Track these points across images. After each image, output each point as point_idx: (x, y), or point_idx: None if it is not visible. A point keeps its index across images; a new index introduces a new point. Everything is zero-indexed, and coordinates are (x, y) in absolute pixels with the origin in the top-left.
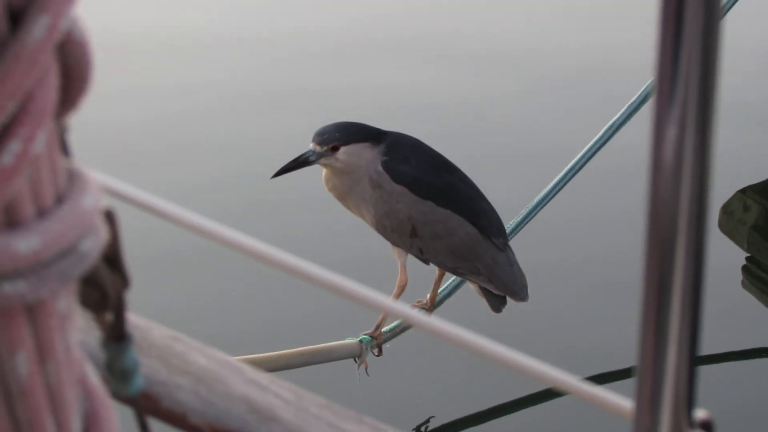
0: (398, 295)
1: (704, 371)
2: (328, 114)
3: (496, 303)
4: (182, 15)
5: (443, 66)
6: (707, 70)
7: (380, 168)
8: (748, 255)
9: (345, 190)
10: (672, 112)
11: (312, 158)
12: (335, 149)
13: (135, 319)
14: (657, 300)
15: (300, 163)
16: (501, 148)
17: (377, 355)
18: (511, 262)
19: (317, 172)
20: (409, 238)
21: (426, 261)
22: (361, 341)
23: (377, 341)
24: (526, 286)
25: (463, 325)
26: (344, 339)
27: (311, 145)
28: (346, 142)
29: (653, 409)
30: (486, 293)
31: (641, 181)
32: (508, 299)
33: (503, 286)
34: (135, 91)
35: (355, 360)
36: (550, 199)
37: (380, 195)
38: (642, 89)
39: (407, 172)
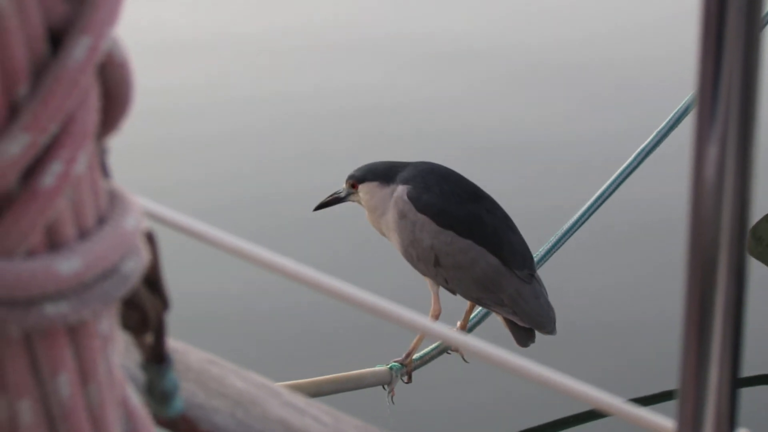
0: None
1: (742, 393)
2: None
3: (523, 337)
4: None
5: (475, 81)
6: (749, 87)
7: (405, 197)
8: None
9: (376, 223)
10: (713, 131)
11: (342, 194)
12: (354, 187)
13: (172, 343)
14: (699, 320)
15: (334, 199)
16: (532, 170)
17: (407, 383)
18: (537, 294)
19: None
20: (433, 267)
21: (453, 291)
22: (391, 369)
23: (407, 368)
24: (553, 319)
25: (501, 345)
26: (375, 366)
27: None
28: (361, 181)
29: (695, 430)
30: (511, 326)
31: (681, 201)
32: (537, 335)
33: (528, 318)
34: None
35: (384, 387)
36: (588, 217)
37: (405, 224)
38: (678, 107)
39: (430, 202)
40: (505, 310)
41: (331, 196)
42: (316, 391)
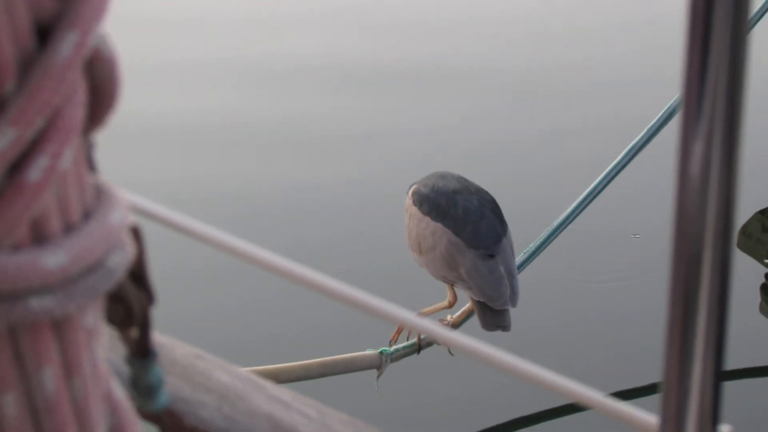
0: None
1: (725, 387)
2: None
3: (489, 322)
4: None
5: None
6: (734, 85)
7: (410, 194)
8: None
9: None
10: (699, 127)
11: None
12: None
13: (159, 337)
14: (682, 315)
15: None
16: (538, 158)
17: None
18: (492, 270)
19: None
20: (419, 255)
21: (435, 277)
22: (381, 353)
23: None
24: (505, 295)
25: (486, 340)
26: (364, 350)
27: None
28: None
29: (678, 424)
30: (478, 309)
31: (667, 196)
32: (508, 325)
33: (479, 291)
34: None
35: (377, 373)
36: (580, 211)
37: (407, 218)
38: (666, 107)
39: (422, 194)
40: (464, 284)
41: None
42: (304, 374)
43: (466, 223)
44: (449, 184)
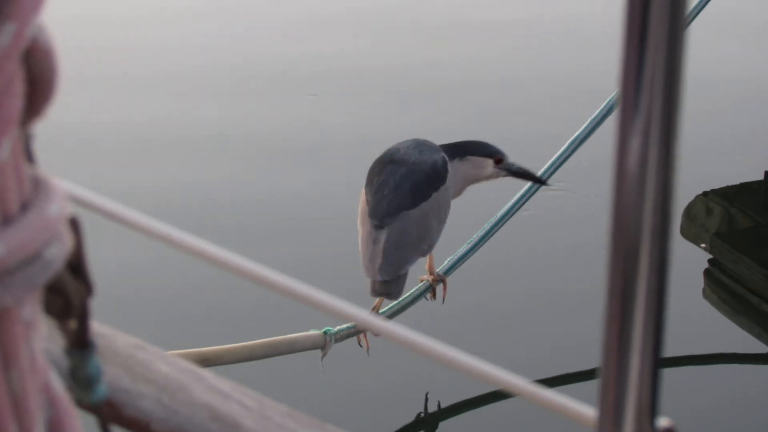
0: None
1: (664, 374)
2: None
3: (374, 287)
4: None
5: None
6: (671, 80)
7: None
8: (711, 257)
9: None
10: (636, 121)
11: None
12: None
13: (99, 327)
14: (620, 306)
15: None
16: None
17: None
18: (376, 241)
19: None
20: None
21: None
22: (324, 333)
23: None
24: (372, 269)
25: (423, 326)
26: (308, 331)
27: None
28: None
29: (616, 417)
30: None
31: (608, 184)
32: (393, 294)
33: (361, 256)
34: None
35: (321, 354)
36: (527, 200)
37: None
38: (604, 104)
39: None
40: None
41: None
42: (248, 356)
43: (376, 192)
44: (398, 153)
